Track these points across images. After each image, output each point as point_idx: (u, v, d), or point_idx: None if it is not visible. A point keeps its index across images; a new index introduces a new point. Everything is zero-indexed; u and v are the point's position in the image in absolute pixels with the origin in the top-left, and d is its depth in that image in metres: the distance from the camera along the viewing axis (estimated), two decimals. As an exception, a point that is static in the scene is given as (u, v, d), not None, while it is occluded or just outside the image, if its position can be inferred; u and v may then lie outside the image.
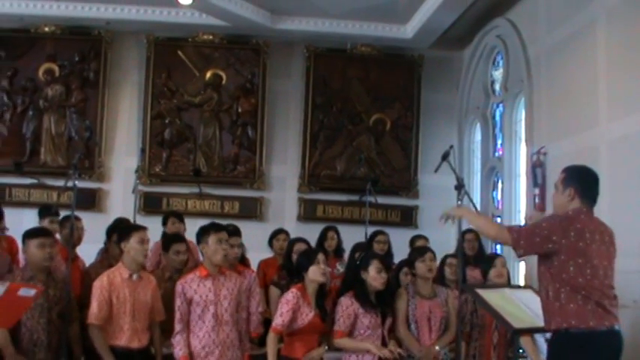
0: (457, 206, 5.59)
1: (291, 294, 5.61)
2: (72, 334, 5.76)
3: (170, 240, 6.88)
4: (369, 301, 5.81)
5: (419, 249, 6.67)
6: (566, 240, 4.45)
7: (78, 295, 6.26)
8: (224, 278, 5.69)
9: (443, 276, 7.01)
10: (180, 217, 8.47)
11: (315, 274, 5.64)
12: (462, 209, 5.44)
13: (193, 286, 5.59)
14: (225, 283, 5.68)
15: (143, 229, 5.93)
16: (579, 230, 4.49)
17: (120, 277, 5.70)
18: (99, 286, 5.63)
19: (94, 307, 5.57)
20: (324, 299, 5.79)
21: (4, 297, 4.78)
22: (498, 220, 10.44)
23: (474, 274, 7.23)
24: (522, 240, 4.56)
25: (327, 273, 5.86)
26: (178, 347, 5.53)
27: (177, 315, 5.59)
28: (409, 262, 6.45)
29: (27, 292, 5.04)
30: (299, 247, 7.06)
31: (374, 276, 5.80)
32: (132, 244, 5.74)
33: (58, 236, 7.01)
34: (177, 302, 5.60)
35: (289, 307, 5.54)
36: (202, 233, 5.70)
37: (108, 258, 6.92)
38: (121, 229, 6.32)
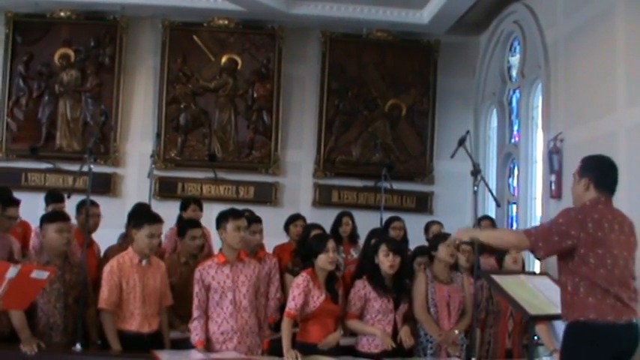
0: (461, 230, 5.37)
1: (301, 277, 5.63)
2: (89, 317, 5.77)
3: (186, 225, 6.90)
4: (382, 286, 5.83)
5: (443, 234, 6.63)
6: (584, 233, 4.41)
7: (93, 280, 6.28)
8: (242, 265, 5.70)
9: (456, 263, 6.98)
10: (200, 204, 8.48)
11: (323, 262, 5.64)
12: (469, 231, 5.28)
13: (211, 273, 5.61)
14: (244, 270, 5.69)
15: (157, 223, 5.89)
16: (597, 220, 4.46)
17: (130, 262, 5.72)
18: (109, 270, 5.65)
19: (105, 292, 5.59)
20: (335, 283, 5.79)
21: (17, 279, 4.81)
22: (514, 207, 10.42)
23: (488, 261, 7.20)
24: (540, 242, 4.52)
25: (338, 261, 5.87)
26: (195, 333, 5.56)
27: (196, 301, 5.61)
28: (429, 248, 6.45)
29: (40, 274, 5.07)
30: (315, 233, 7.05)
31: (382, 260, 5.83)
32: (141, 234, 5.75)
33: (74, 221, 7.03)
34: (196, 288, 5.62)
35: (300, 290, 5.55)
36: (221, 219, 5.70)
37: (127, 242, 6.94)
38: (137, 216, 6.33)
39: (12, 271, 4.82)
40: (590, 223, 4.43)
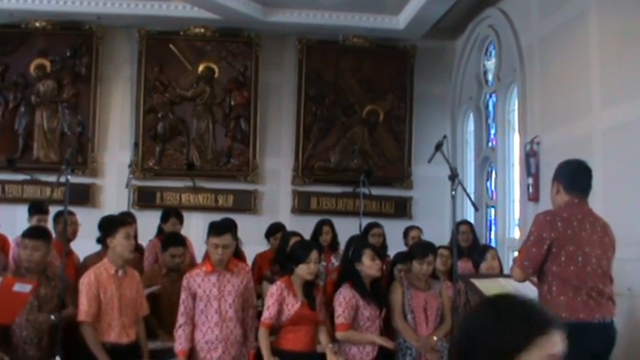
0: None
1: (275, 286, 5.66)
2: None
3: (168, 242, 6.85)
4: (367, 292, 5.83)
5: (421, 248, 6.46)
6: (555, 232, 4.52)
7: (73, 290, 6.23)
8: (230, 274, 5.70)
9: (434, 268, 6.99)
10: (180, 217, 8.29)
11: (303, 272, 5.64)
12: None
13: (198, 281, 5.62)
14: (231, 280, 5.69)
15: (129, 223, 5.93)
16: (565, 219, 4.55)
17: (106, 274, 5.68)
18: (86, 282, 5.61)
19: (84, 304, 5.54)
20: (313, 289, 5.78)
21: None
22: (492, 211, 10.47)
23: (467, 265, 7.24)
24: (525, 261, 4.67)
25: (322, 268, 5.86)
26: (179, 342, 5.55)
27: (182, 308, 5.63)
28: (407, 256, 6.44)
29: (22, 287, 5.07)
30: (299, 240, 7.05)
31: (369, 264, 5.82)
32: (118, 239, 5.71)
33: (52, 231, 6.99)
34: (183, 296, 5.64)
35: (274, 299, 5.57)
36: (208, 230, 5.74)
37: (105, 251, 6.91)
38: (106, 225, 6.30)
39: None
40: (559, 222, 4.53)
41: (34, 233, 5.96)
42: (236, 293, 5.68)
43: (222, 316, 5.60)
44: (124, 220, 6.05)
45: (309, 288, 5.72)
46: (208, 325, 5.58)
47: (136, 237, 6.79)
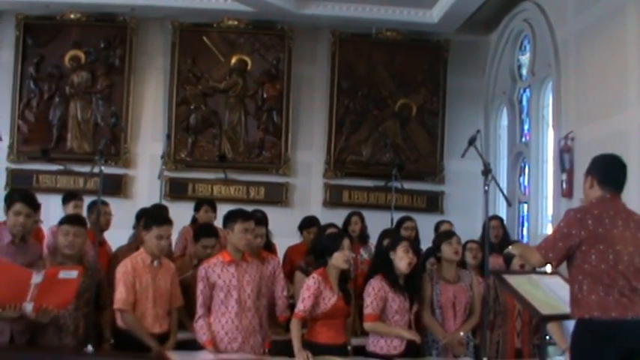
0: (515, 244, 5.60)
1: (312, 279, 5.56)
2: (103, 319, 5.78)
3: (201, 232, 6.85)
4: (397, 284, 5.78)
5: (446, 233, 6.64)
6: (585, 231, 4.44)
7: (105, 279, 6.26)
8: (247, 265, 5.68)
9: (464, 261, 6.96)
10: (213, 205, 8.38)
11: (338, 260, 5.58)
12: (517, 247, 5.52)
13: (217, 271, 5.58)
14: (248, 270, 5.66)
15: (165, 224, 5.88)
16: (596, 216, 4.47)
17: (142, 263, 5.71)
18: (123, 271, 5.64)
19: (122, 293, 5.57)
20: (347, 282, 5.74)
21: (44, 283, 4.84)
22: (525, 206, 10.39)
23: (498, 261, 7.18)
24: (550, 252, 4.59)
25: (351, 259, 5.82)
26: (202, 332, 5.53)
27: (200, 299, 5.58)
28: (435, 248, 6.42)
29: (68, 274, 5.08)
30: (329, 232, 7.01)
31: (401, 255, 5.75)
32: (150, 236, 5.75)
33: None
34: (200, 286, 5.58)
35: (310, 292, 5.49)
36: (229, 218, 5.68)
37: (136, 242, 6.94)
38: (146, 217, 6.33)
39: (36, 277, 4.85)
40: (590, 220, 4.45)
41: (75, 220, 5.98)
42: (254, 283, 5.65)
43: (241, 306, 5.56)
44: (162, 218, 6.02)
45: (344, 281, 5.69)
46: (228, 315, 5.54)
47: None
